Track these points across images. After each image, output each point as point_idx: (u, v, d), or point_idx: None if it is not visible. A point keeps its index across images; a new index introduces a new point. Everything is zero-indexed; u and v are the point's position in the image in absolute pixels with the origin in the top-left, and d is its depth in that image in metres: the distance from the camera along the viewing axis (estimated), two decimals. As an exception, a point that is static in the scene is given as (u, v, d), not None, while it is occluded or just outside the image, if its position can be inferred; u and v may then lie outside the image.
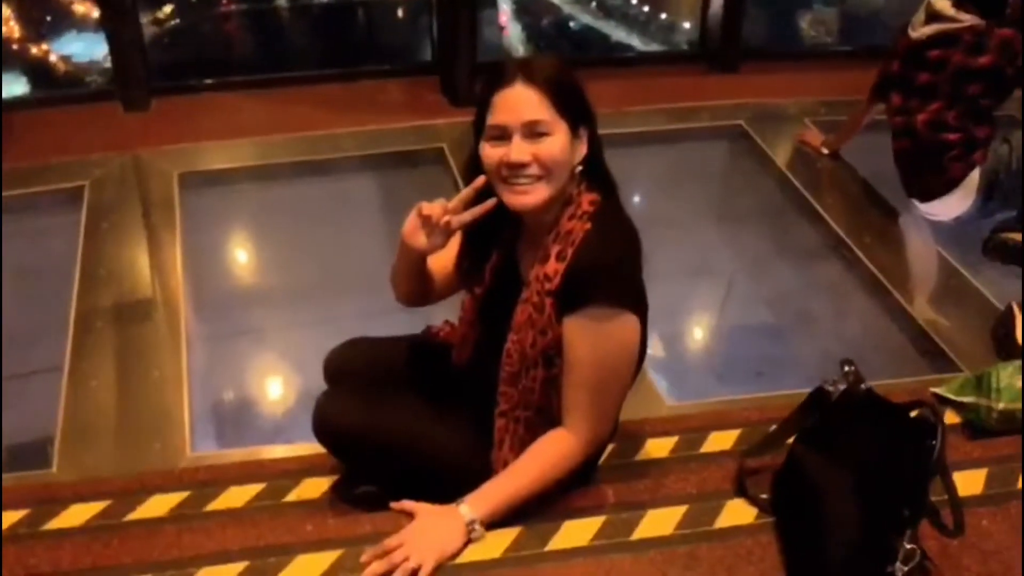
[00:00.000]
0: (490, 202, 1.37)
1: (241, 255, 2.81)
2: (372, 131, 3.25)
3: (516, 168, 1.32)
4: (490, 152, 1.35)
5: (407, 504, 1.41)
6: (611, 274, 1.32)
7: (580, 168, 1.38)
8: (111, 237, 2.67)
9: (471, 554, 1.37)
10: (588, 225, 1.34)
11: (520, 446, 1.44)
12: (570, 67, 1.38)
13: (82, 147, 3.07)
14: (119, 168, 2.96)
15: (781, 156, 3.21)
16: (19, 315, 2.42)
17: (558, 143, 1.33)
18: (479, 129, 1.37)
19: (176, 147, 3.09)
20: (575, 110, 1.35)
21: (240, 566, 1.38)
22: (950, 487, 1.28)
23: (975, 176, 2.55)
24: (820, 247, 2.81)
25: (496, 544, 1.41)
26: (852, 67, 3.63)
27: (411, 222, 1.41)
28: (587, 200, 1.37)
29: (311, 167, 3.10)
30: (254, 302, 2.67)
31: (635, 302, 1.35)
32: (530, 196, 1.34)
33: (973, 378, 1.85)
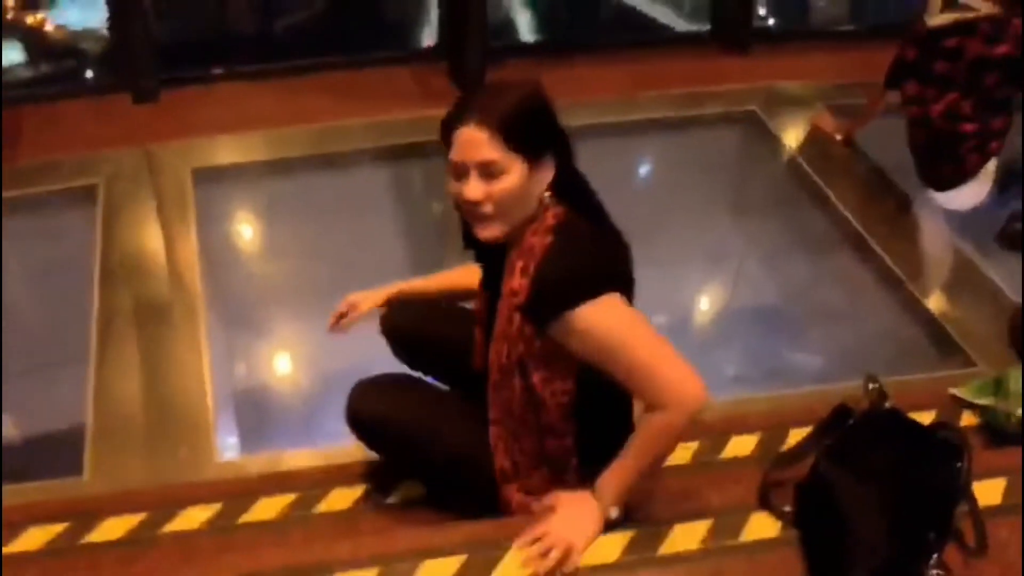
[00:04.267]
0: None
1: (257, 250, 2.83)
2: (381, 122, 3.24)
3: (471, 205, 1.37)
4: (452, 186, 1.39)
5: (549, 497, 1.48)
6: (575, 279, 1.34)
7: (548, 193, 1.40)
8: (128, 234, 2.69)
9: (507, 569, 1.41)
10: (549, 238, 1.37)
11: (510, 454, 1.50)
12: (533, 94, 1.39)
13: (93, 142, 3.07)
14: (132, 164, 2.96)
15: (794, 142, 3.20)
16: (41, 312, 2.45)
17: (511, 181, 1.35)
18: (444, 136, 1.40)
19: (187, 141, 3.09)
20: (534, 144, 1.37)
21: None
22: (974, 507, 1.31)
23: (991, 166, 2.55)
24: (833, 237, 2.82)
25: (514, 559, 1.44)
26: (864, 48, 3.61)
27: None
28: (552, 214, 1.40)
29: (322, 160, 3.10)
30: (271, 296, 2.69)
31: (608, 286, 1.35)
32: (488, 231, 1.39)
33: (991, 380, 1.87)
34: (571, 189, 1.42)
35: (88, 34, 5.05)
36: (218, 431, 2.10)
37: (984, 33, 2.46)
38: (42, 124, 3.18)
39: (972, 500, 1.32)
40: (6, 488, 1.91)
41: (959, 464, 1.27)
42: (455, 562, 1.45)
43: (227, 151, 3.08)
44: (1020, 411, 1.73)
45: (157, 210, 2.78)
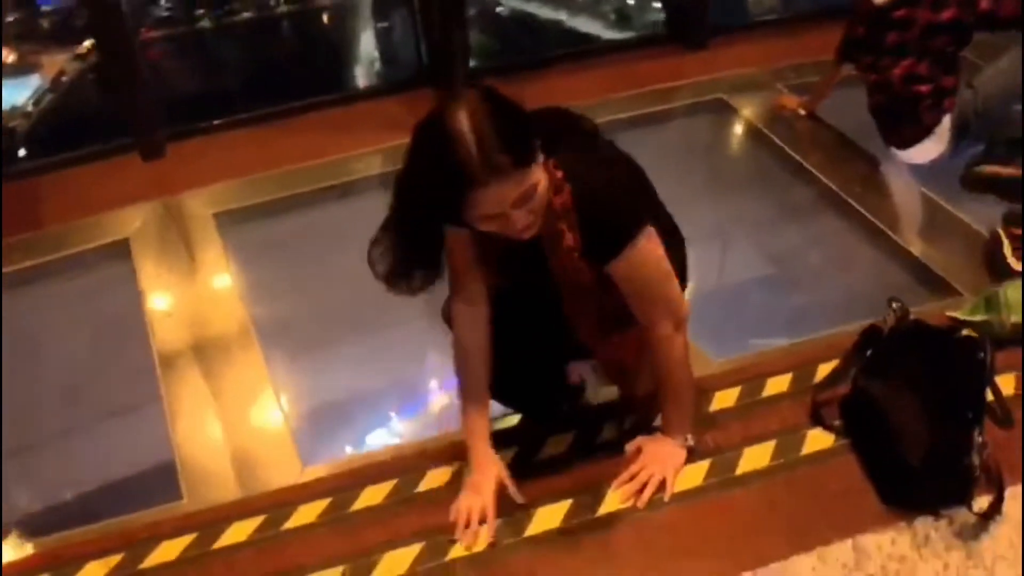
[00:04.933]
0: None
1: (291, 279, 2.98)
2: (382, 150, 3.44)
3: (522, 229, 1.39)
4: (489, 227, 1.39)
5: (634, 442, 1.72)
6: (617, 210, 1.45)
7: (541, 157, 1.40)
8: (168, 280, 2.83)
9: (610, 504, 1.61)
10: (568, 188, 1.44)
11: (586, 328, 1.66)
12: (508, 107, 1.35)
13: (113, 201, 3.19)
14: (156, 216, 3.11)
15: (763, 122, 3.48)
16: (102, 364, 2.59)
17: (541, 187, 1.38)
18: (443, 211, 1.37)
19: (203, 190, 3.23)
20: (534, 146, 1.36)
21: (417, 547, 1.60)
22: (996, 391, 1.56)
23: (947, 122, 2.84)
24: (815, 202, 3.08)
25: (615, 496, 1.66)
26: (807, 30, 3.94)
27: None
28: (554, 168, 1.44)
29: (334, 190, 3.28)
30: (314, 320, 2.85)
31: (645, 213, 1.49)
32: (532, 230, 1.42)
33: (982, 299, 2.13)
34: (551, 140, 1.44)
35: (15, 112, 5.14)
36: (297, 445, 2.26)
37: (929, 1, 2.74)
38: (59, 191, 3.31)
39: (995, 385, 1.57)
40: (113, 521, 2.06)
41: (981, 354, 1.52)
42: (564, 506, 1.66)
43: (242, 194, 3.24)
44: (1013, 318, 1.99)
45: (189, 255, 2.94)
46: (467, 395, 1.68)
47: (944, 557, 1.50)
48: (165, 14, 6.49)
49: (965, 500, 1.51)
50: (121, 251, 2.98)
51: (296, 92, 4.00)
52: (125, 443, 2.40)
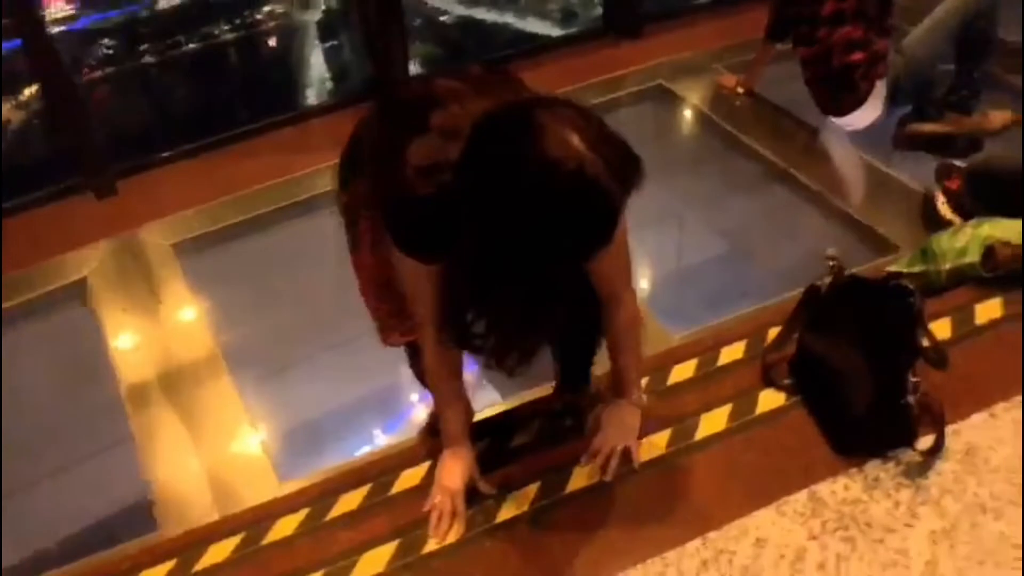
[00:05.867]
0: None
1: (254, 301, 3.00)
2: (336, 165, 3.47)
3: None
4: None
5: (593, 416, 1.78)
6: (610, 193, 1.21)
7: None
8: (131, 317, 2.84)
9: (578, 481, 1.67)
10: None
11: None
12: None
13: (69, 243, 3.20)
14: (113, 253, 3.12)
15: (704, 103, 3.57)
16: (72, 406, 2.60)
17: None
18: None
19: (159, 222, 3.25)
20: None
21: (393, 545, 1.64)
22: (930, 334, 1.63)
23: (880, 87, 2.93)
24: (760, 175, 3.17)
25: (582, 472, 1.72)
26: (739, 11, 4.03)
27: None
28: None
29: (293, 210, 3.30)
30: (281, 340, 2.88)
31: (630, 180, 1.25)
32: None
33: (918, 252, 2.22)
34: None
35: None
36: (274, 466, 2.29)
37: None
38: (12, 237, 3.28)
39: (927, 329, 1.64)
40: (90, 558, 2.07)
41: (911, 299, 1.59)
42: (532, 490, 1.71)
43: (199, 222, 3.25)
44: (947, 266, 2.07)
45: (149, 288, 2.95)
46: (443, 397, 1.70)
47: (894, 496, 1.57)
48: (108, 52, 6.48)
49: (909, 440, 1.58)
50: (80, 291, 2.99)
51: (247, 118, 4.02)
52: (98, 483, 2.41)
